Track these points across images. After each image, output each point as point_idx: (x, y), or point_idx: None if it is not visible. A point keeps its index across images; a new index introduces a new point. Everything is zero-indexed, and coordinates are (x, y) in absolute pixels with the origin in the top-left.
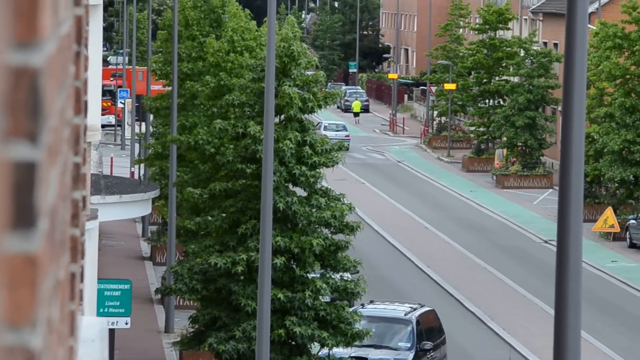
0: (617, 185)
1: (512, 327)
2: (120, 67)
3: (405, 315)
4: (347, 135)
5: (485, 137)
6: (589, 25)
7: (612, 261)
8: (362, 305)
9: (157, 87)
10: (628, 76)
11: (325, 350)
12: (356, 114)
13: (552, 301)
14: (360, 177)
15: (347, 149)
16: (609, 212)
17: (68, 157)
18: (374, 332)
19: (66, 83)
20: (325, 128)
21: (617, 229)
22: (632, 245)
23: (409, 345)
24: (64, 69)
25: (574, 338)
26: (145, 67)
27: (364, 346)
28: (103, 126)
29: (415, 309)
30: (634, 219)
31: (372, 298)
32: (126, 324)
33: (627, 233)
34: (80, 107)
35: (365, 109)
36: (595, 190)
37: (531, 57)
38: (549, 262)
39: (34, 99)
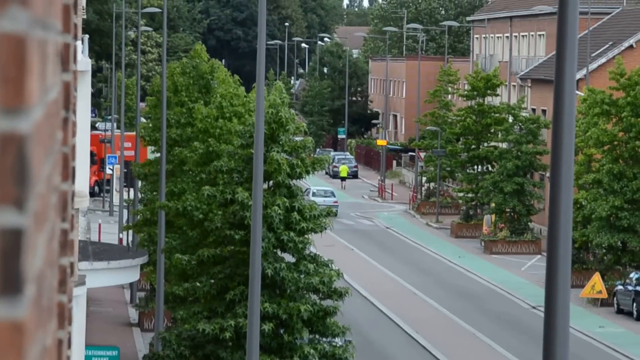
0: (604, 251)
1: None
2: (108, 132)
3: None
4: (336, 202)
5: (473, 203)
6: (577, 92)
7: (600, 327)
8: None
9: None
10: (616, 142)
11: None
12: (343, 179)
13: None
14: (349, 243)
15: (336, 215)
16: (596, 277)
17: (55, 223)
18: None
19: (54, 149)
20: (314, 194)
21: (605, 294)
22: (620, 311)
23: None
24: (51, 136)
25: None
26: (134, 133)
27: None
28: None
29: None
30: (621, 284)
31: None
32: None
33: (615, 299)
34: (68, 173)
35: (354, 175)
36: (583, 256)
37: (520, 123)
38: (537, 328)
39: (21, 165)
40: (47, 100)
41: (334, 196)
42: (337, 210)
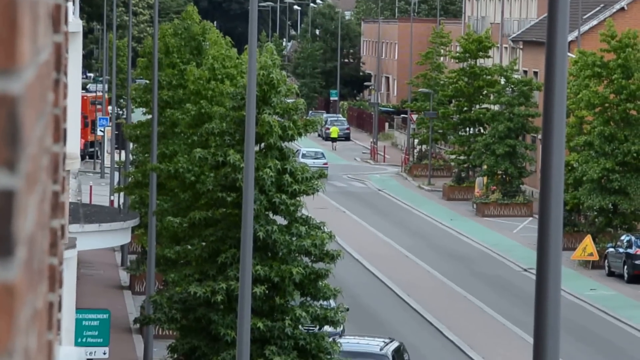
0: (596, 213)
1: (491, 355)
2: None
3: (381, 350)
4: (325, 163)
5: (465, 165)
6: (569, 54)
7: (591, 289)
8: (333, 339)
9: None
10: (607, 104)
11: None
12: (334, 140)
13: (531, 330)
14: (341, 205)
15: (326, 177)
16: (587, 240)
17: (47, 185)
18: None
19: (45, 111)
20: (304, 155)
21: (596, 257)
22: (611, 274)
23: None
24: (43, 97)
25: None
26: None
27: None
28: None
29: (387, 344)
30: (612, 247)
31: (349, 328)
32: (104, 354)
33: (606, 261)
34: (59, 135)
35: (346, 137)
36: (574, 218)
37: (511, 86)
38: (529, 291)
39: (13, 126)
40: (39, 61)
41: (324, 157)
42: (327, 172)
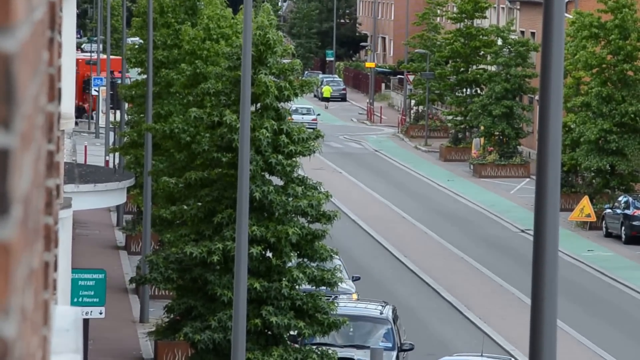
0: (593, 174)
1: (489, 316)
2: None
3: (381, 313)
4: (314, 119)
5: (462, 126)
6: (566, 14)
7: (589, 250)
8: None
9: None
10: (604, 65)
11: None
12: (326, 99)
13: (528, 290)
14: (338, 166)
15: (323, 137)
16: (585, 201)
17: (42, 144)
18: (352, 331)
19: (40, 69)
20: (294, 111)
21: (594, 218)
22: (608, 235)
23: (390, 345)
24: (37, 55)
25: (550, 327)
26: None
27: (345, 346)
28: None
29: (384, 307)
30: (610, 208)
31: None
32: (100, 313)
33: (603, 222)
34: (54, 94)
35: (343, 98)
36: (571, 179)
37: (509, 46)
38: (526, 252)
39: (7, 84)
40: (33, 19)
41: (313, 113)
42: (318, 128)
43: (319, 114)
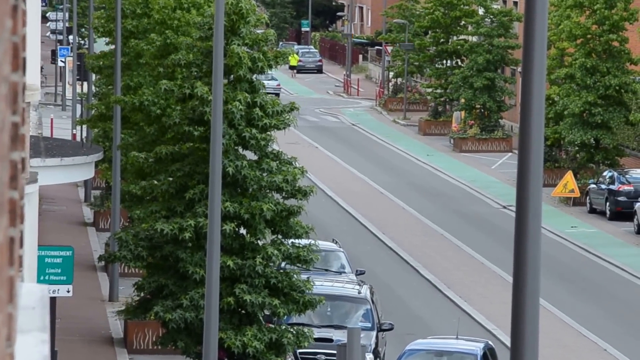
0: (577, 148)
1: (469, 294)
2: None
3: (359, 293)
4: (278, 85)
5: (442, 99)
6: None
7: (572, 227)
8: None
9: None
10: (589, 36)
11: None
12: (292, 68)
13: (510, 268)
14: (313, 140)
15: (298, 110)
16: (569, 176)
17: (5, 115)
18: (329, 311)
19: (3, 37)
20: None
21: (577, 193)
22: (592, 211)
23: (369, 325)
24: (0, 23)
25: (533, 306)
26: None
27: (324, 326)
28: None
29: (361, 285)
30: (594, 183)
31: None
32: (68, 292)
33: (587, 198)
34: (19, 63)
35: (319, 70)
36: (555, 154)
37: (491, 16)
38: (508, 228)
39: None
40: None
41: (276, 80)
42: (279, 94)
43: (277, 83)
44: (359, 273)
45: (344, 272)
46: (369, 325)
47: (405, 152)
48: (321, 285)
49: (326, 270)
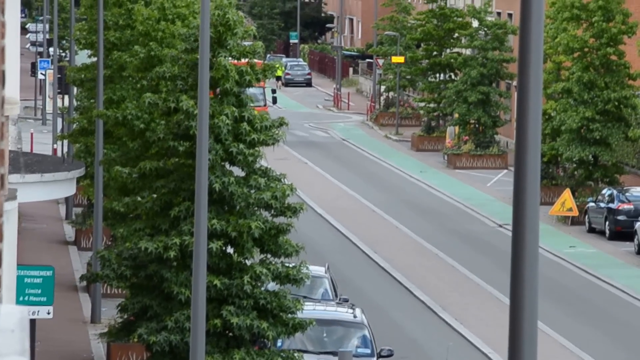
0: (575, 165)
1: (465, 316)
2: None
3: (355, 317)
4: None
5: (435, 113)
6: None
7: (570, 247)
8: (297, 298)
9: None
10: (586, 49)
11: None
12: (278, 78)
13: (507, 289)
14: (303, 156)
15: (288, 125)
16: (567, 194)
17: None
18: (325, 337)
19: None
20: None
21: (576, 212)
22: (591, 230)
23: (368, 351)
24: None
25: (530, 329)
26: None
27: (322, 353)
28: None
29: (354, 309)
30: (593, 201)
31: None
32: (48, 313)
33: (586, 217)
34: None
35: (308, 83)
36: (552, 171)
37: (485, 29)
38: (504, 248)
39: None
40: None
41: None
42: (287, 121)
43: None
44: (342, 301)
45: (328, 300)
46: (368, 351)
47: (398, 168)
48: (313, 309)
49: (305, 297)
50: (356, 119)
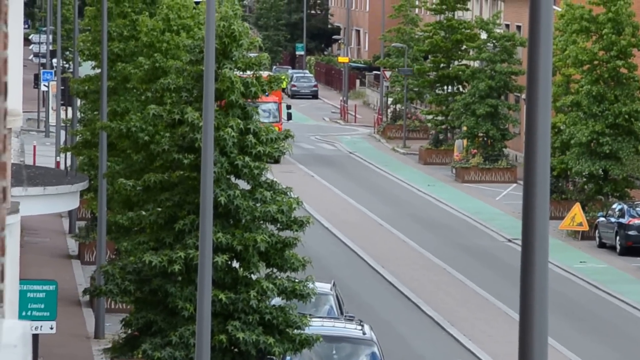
0: (585, 179)
1: (473, 332)
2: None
3: (364, 334)
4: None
5: (443, 126)
6: (555, 7)
7: (581, 262)
8: (303, 313)
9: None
10: (596, 62)
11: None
12: (282, 89)
13: (516, 305)
14: (309, 169)
15: (293, 138)
16: (576, 209)
17: None
18: (334, 354)
19: None
20: None
21: (586, 227)
22: (602, 245)
23: None
24: None
25: (540, 345)
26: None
27: None
28: None
29: (362, 325)
30: (603, 216)
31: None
32: (51, 328)
33: (596, 232)
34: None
35: (314, 95)
36: (562, 185)
37: (493, 40)
38: (513, 263)
39: None
40: None
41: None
42: (293, 133)
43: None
44: (348, 319)
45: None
46: None
47: (405, 181)
48: (321, 325)
49: (310, 315)
50: (363, 131)
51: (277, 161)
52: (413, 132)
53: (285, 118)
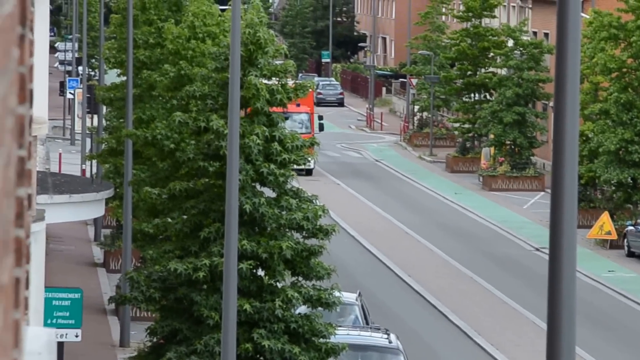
0: (613, 188)
1: (501, 342)
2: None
3: (391, 342)
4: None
5: (470, 134)
6: (582, 14)
7: (609, 271)
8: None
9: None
10: (624, 69)
11: None
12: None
13: (544, 314)
14: (335, 177)
15: (319, 145)
16: (605, 217)
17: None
18: None
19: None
20: None
21: (614, 236)
22: (630, 254)
23: None
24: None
25: (568, 354)
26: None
27: None
28: None
29: (389, 333)
30: (632, 225)
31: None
32: (76, 336)
33: (625, 240)
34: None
35: (340, 103)
36: (590, 193)
37: (520, 48)
38: (541, 272)
39: None
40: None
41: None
42: (319, 141)
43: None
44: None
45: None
46: None
47: (432, 190)
48: (347, 334)
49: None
50: (389, 139)
51: (309, 172)
52: (440, 140)
53: (317, 129)
